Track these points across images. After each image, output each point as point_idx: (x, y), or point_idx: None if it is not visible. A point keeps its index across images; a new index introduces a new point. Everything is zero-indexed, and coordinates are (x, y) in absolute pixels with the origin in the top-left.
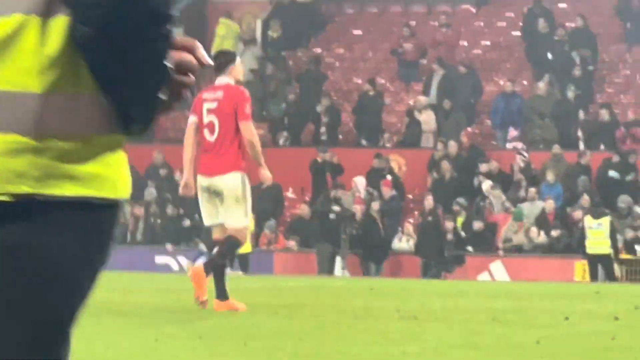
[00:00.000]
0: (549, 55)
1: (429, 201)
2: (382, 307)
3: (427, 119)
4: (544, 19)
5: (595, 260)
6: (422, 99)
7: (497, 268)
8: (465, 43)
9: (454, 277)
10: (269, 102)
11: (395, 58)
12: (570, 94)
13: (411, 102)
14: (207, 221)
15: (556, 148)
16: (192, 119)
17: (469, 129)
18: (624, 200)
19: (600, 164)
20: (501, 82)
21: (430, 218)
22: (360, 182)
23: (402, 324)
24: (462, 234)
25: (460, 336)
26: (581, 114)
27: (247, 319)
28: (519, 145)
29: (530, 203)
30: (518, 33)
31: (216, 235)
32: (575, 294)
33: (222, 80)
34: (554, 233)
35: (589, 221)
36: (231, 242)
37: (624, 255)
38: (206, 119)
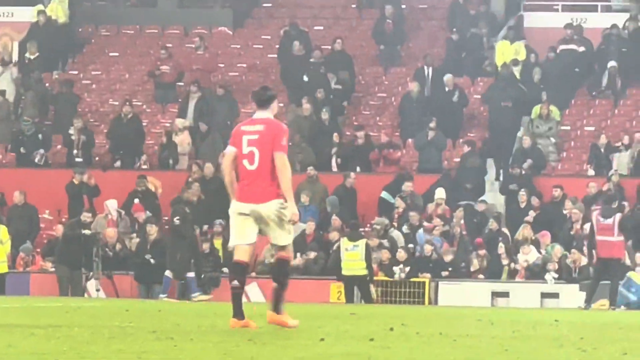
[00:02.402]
0: (305, 78)
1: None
2: (139, 327)
3: (184, 141)
4: (299, 41)
5: (350, 282)
6: (179, 121)
7: (253, 289)
8: (222, 65)
9: (211, 299)
10: (23, 123)
11: (152, 80)
12: (325, 116)
13: (168, 124)
14: (236, 241)
15: (311, 170)
16: (232, 149)
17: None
18: (379, 222)
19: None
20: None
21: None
22: (111, 204)
23: (158, 344)
24: (220, 255)
25: (216, 356)
26: (336, 137)
27: (3, 340)
28: None
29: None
30: (274, 55)
31: (238, 256)
32: (331, 315)
33: (262, 114)
34: (311, 254)
35: (345, 243)
36: (284, 261)
37: (379, 277)
38: (246, 149)
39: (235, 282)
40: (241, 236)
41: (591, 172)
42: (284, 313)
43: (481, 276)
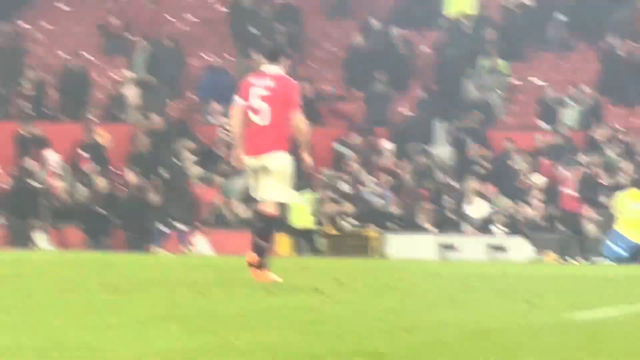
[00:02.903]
0: (253, 30)
1: (131, 175)
2: (87, 279)
3: (132, 93)
4: None
5: (299, 235)
6: (127, 73)
7: (201, 241)
8: (171, 17)
9: (158, 250)
10: None
11: (101, 32)
12: None
13: (116, 77)
14: (254, 194)
15: None
16: (241, 102)
17: (174, 103)
18: (327, 174)
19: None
20: (205, 57)
21: (135, 192)
22: (52, 157)
23: (106, 296)
24: (168, 206)
25: (163, 308)
26: None
27: None
28: (223, 119)
29: (237, 177)
30: (224, 8)
31: (262, 207)
32: (279, 268)
33: (272, 69)
34: None
35: None
36: (266, 217)
37: (327, 230)
38: (256, 103)
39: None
40: (254, 191)
41: (540, 125)
42: (267, 271)
43: (429, 228)
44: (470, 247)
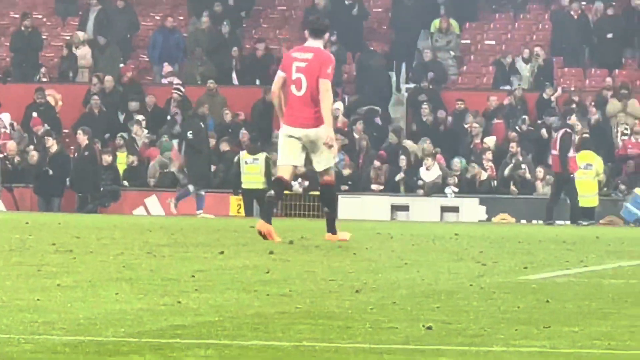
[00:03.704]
0: None
1: (82, 137)
2: (38, 240)
3: (84, 54)
4: None
5: (250, 195)
6: (79, 34)
7: (153, 203)
8: None
9: (110, 211)
10: None
11: None
12: (225, 29)
13: (68, 37)
14: (282, 161)
15: (211, 83)
16: (281, 73)
17: (125, 65)
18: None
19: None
20: (158, 17)
21: (86, 153)
22: (4, 117)
23: (58, 257)
24: (119, 169)
25: (116, 269)
26: (235, 50)
27: None
28: (175, 80)
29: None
30: None
31: (280, 173)
32: (230, 229)
33: (314, 43)
34: (211, 168)
35: (244, 156)
36: (329, 186)
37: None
38: (294, 75)
39: (271, 192)
40: (288, 157)
41: (493, 85)
42: (338, 231)
43: (381, 189)
44: (423, 208)
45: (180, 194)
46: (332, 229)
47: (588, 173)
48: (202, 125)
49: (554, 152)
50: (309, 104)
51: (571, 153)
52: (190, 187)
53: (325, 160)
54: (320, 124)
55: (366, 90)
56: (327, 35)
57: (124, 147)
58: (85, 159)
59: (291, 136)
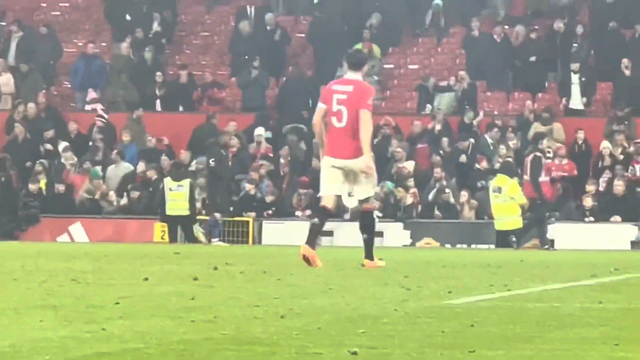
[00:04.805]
0: (128, 17)
1: (6, 162)
2: None
3: (6, 81)
4: None
5: (174, 222)
6: (0, 61)
7: (77, 229)
8: (44, 4)
9: (29, 238)
10: None
11: None
12: (148, 55)
13: None
14: (326, 191)
15: (138, 112)
16: (322, 105)
17: (47, 91)
18: (201, 161)
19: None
20: (80, 44)
21: (3, 179)
22: None
23: None
24: (44, 194)
25: (40, 297)
26: (159, 76)
27: None
28: (99, 106)
29: (115, 166)
30: None
31: (324, 202)
32: (155, 255)
33: (352, 75)
34: (134, 195)
35: (169, 183)
36: (369, 213)
37: (203, 217)
38: (335, 107)
39: (316, 220)
40: (330, 187)
41: (416, 110)
42: (375, 258)
43: (304, 215)
44: (347, 233)
45: (210, 223)
46: (369, 255)
47: (499, 197)
48: (224, 153)
49: (526, 177)
50: (349, 135)
51: (542, 177)
52: (218, 215)
53: (365, 190)
54: (359, 155)
55: (290, 114)
56: (365, 67)
57: (43, 174)
58: (3, 184)
59: (333, 166)
